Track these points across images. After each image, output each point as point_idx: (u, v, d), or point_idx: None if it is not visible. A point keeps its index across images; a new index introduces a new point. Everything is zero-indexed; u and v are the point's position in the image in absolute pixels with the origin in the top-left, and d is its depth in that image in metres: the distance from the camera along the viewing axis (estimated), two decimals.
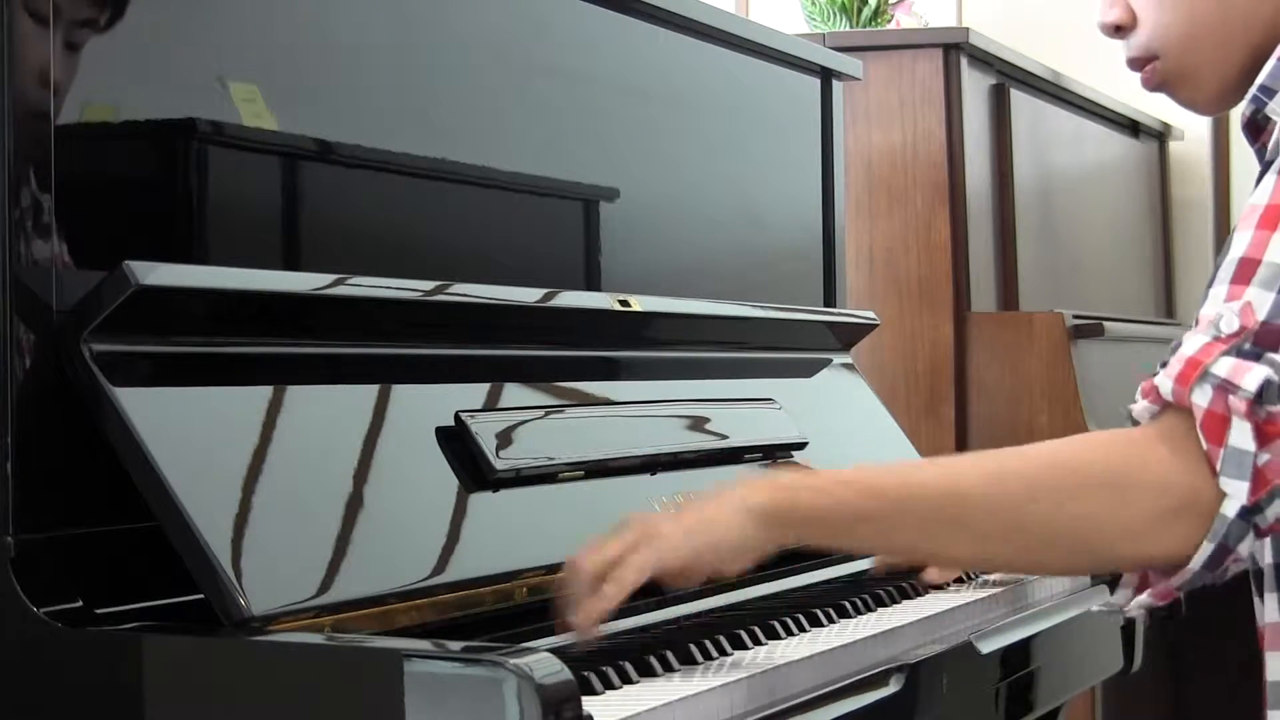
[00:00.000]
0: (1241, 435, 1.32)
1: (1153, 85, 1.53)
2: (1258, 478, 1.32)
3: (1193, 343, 1.35)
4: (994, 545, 1.40)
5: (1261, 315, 1.33)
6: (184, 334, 1.35)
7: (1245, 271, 1.35)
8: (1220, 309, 1.34)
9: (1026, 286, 3.14)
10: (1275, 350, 1.32)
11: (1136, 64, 1.53)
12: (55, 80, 1.31)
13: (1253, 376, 1.31)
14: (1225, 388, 1.31)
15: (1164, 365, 1.37)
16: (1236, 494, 1.32)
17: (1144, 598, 1.41)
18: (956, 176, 2.96)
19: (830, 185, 2.39)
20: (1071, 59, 3.71)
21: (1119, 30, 1.52)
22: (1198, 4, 1.48)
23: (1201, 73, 1.50)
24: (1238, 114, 1.51)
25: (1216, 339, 1.34)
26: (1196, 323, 1.37)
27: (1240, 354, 1.32)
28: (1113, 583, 1.44)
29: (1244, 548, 1.35)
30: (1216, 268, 1.39)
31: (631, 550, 1.41)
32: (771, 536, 1.42)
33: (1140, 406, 1.38)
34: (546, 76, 1.87)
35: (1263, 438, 1.31)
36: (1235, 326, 1.33)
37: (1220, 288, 1.36)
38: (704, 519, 1.42)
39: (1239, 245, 1.36)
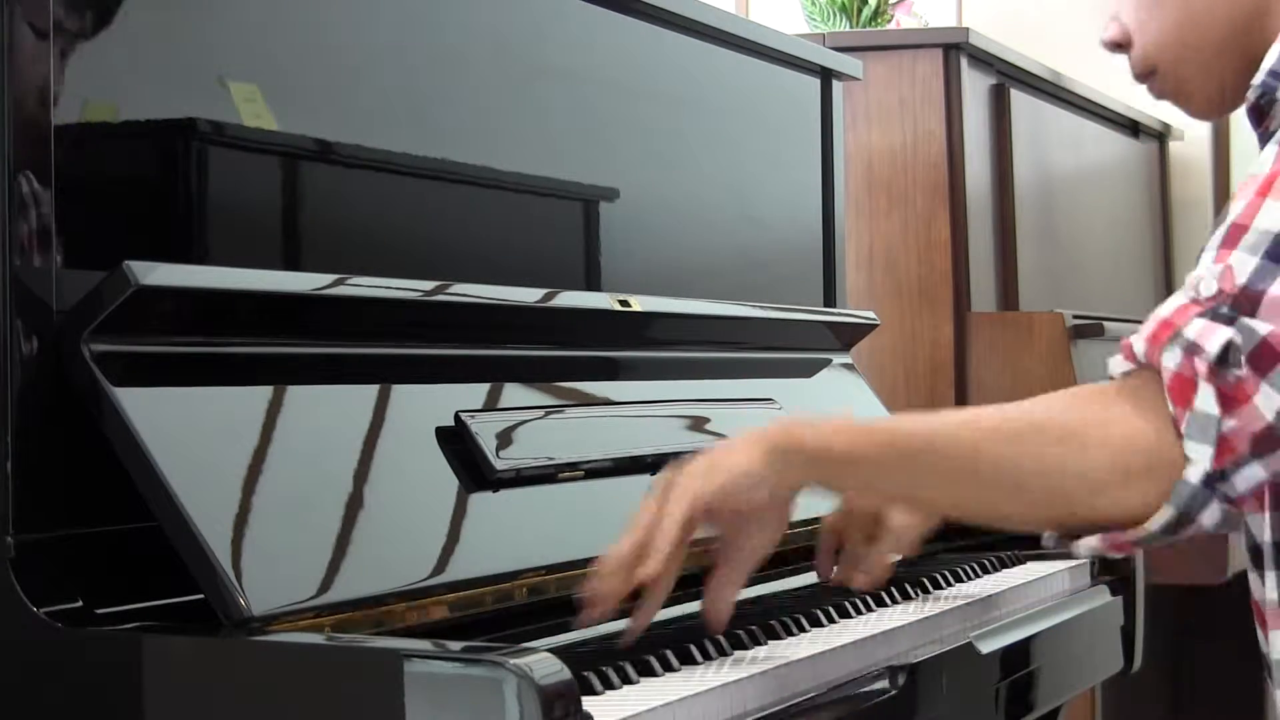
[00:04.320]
0: (1206, 400, 1.31)
1: (1156, 96, 1.59)
2: (1221, 444, 1.31)
3: (1170, 304, 1.35)
4: (967, 490, 1.42)
5: (1241, 279, 1.33)
6: (184, 334, 1.35)
7: (1234, 236, 1.35)
8: (1201, 272, 1.35)
9: (1026, 286, 3.14)
10: (1252, 315, 1.32)
11: (1139, 78, 1.59)
12: (55, 80, 1.31)
13: (1217, 339, 1.31)
14: (1192, 350, 1.31)
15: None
16: (1200, 459, 1.32)
17: (1095, 542, 1.40)
18: (956, 176, 2.96)
19: (830, 185, 2.39)
20: (1071, 59, 3.71)
21: (1119, 47, 1.57)
22: (1178, 25, 1.53)
23: (1194, 85, 1.56)
24: (1239, 113, 1.53)
25: (1194, 301, 1.34)
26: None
27: (1215, 317, 1.32)
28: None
29: (1206, 518, 1.34)
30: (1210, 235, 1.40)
31: (661, 506, 1.41)
32: (784, 473, 1.42)
33: (1116, 362, 1.39)
34: (546, 77, 1.87)
35: (1227, 403, 1.31)
36: (1214, 289, 1.33)
37: (1209, 253, 1.36)
38: (720, 455, 1.43)
39: (1233, 212, 1.37)
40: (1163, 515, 1.34)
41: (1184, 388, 1.32)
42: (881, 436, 1.43)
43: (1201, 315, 1.33)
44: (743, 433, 1.45)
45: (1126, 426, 1.35)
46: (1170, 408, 1.33)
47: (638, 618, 1.43)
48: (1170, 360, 1.33)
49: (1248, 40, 1.50)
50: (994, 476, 1.40)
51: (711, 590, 1.47)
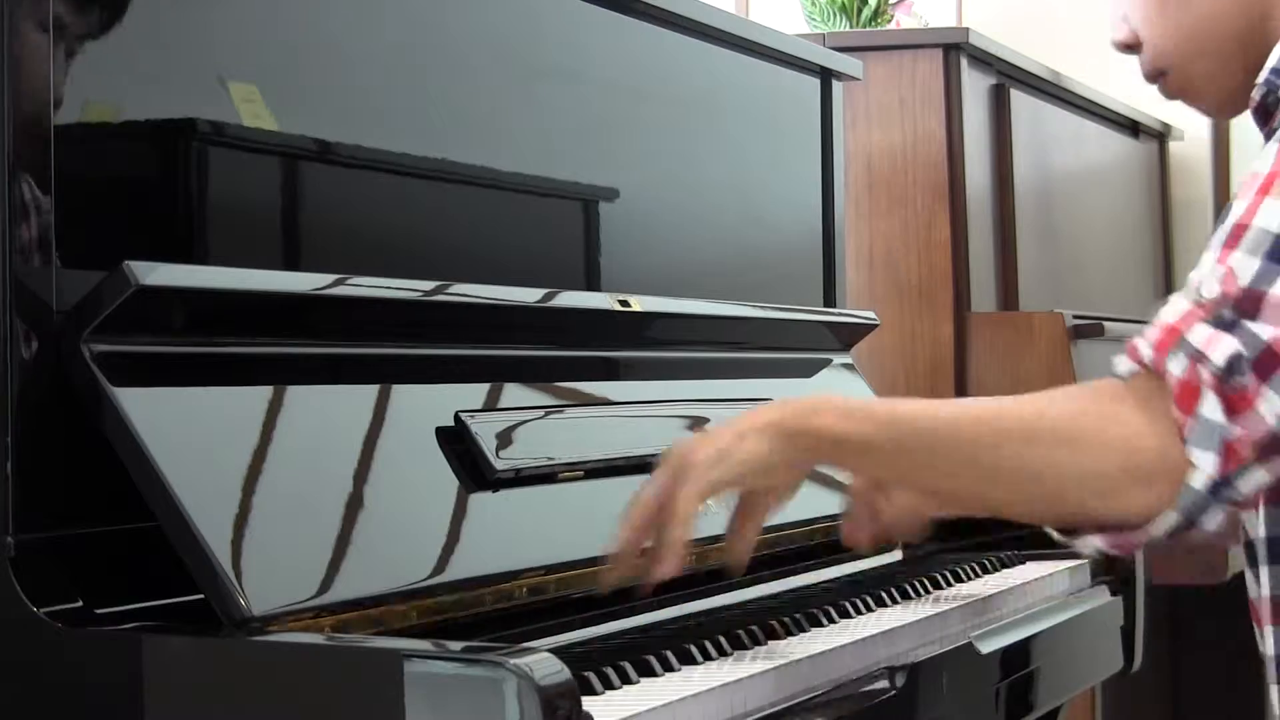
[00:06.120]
0: (1212, 407, 1.31)
1: (1168, 96, 1.59)
2: (1227, 451, 1.31)
3: (1174, 308, 1.35)
4: (976, 484, 1.43)
5: (1244, 281, 1.33)
6: (184, 334, 1.35)
7: (1235, 236, 1.35)
8: (1202, 275, 1.35)
9: (1026, 286, 3.15)
10: (1254, 318, 1.31)
11: (1149, 78, 1.59)
12: (55, 80, 1.31)
13: (1222, 349, 1.31)
14: (1197, 358, 1.32)
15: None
16: (1205, 466, 1.32)
17: (1098, 541, 1.41)
18: (956, 176, 2.96)
19: (830, 185, 2.39)
20: (1071, 59, 3.71)
21: (1129, 48, 1.58)
22: (1185, 27, 1.53)
23: (1204, 86, 1.56)
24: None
25: (1197, 304, 1.34)
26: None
27: (1218, 322, 1.32)
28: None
29: (1209, 522, 1.34)
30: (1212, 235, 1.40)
31: (673, 485, 1.41)
32: (793, 454, 1.43)
33: (1121, 362, 1.39)
34: (546, 77, 1.87)
35: (1232, 410, 1.31)
36: (1216, 292, 1.33)
37: (1211, 253, 1.36)
38: (730, 442, 1.42)
39: (1235, 212, 1.37)
40: (1167, 520, 1.35)
41: (1189, 395, 1.32)
42: (892, 425, 1.42)
43: (1205, 321, 1.33)
44: (749, 413, 1.45)
45: (1134, 431, 1.35)
46: (1175, 414, 1.33)
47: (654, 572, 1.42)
48: (1176, 367, 1.33)
49: (1254, 42, 1.50)
50: (1004, 474, 1.40)
51: (731, 538, 1.49)
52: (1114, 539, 1.40)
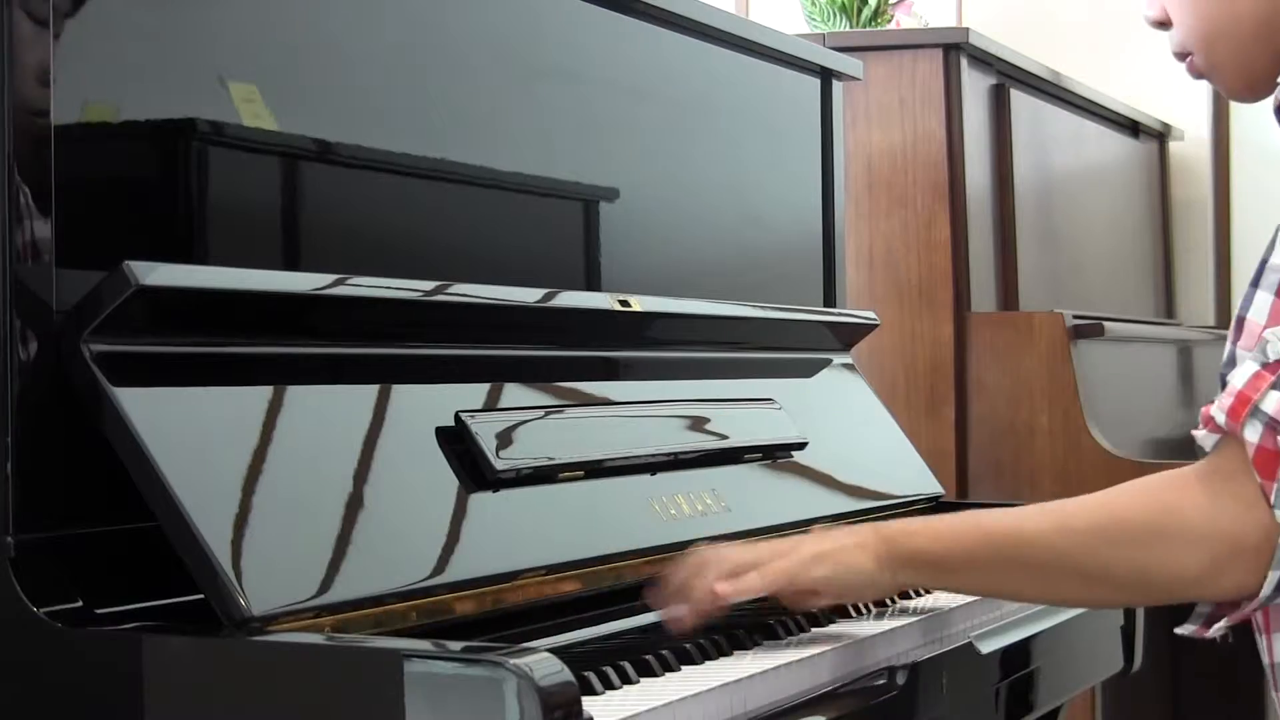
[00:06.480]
0: None
1: (1193, 75, 1.59)
2: None
3: (1243, 372, 1.36)
4: (1066, 589, 1.53)
5: None
6: (184, 334, 1.35)
7: None
8: (1267, 334, 1.35)
9: (1026, 286, 3.14)
10: None
11: (1178, 57, 1.59)
12: (55, 80, 1.31)
13: None
14: (1273, 426, 1.33)
15: (1221, 382, 1.39)
16: None
17: (1222, 624, 1.46)
18: (956, 176, 2.96)
19: (830, 185, 2.38)
20: (1071, 59, 3.71)
21: (1161, 25, 1.59)
22: (1211, 12, 1.53)
23: (1227, 69, 1.56)
24: (1246, 108, 1.53)
25: (1265, 366, 1.35)
26: (1239, 324, 1.39)
27: None
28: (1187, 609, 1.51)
29: None
30: (1262, 264, 1.40)
31: (769, 559, 1.53)
32: (893, 577, 1.55)
33: (1202, 434, 1.41)
34: (546, 77, 1.87)
35: None
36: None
37: (1266, 295, 1.37)
38: (835, 549, 1.54)
39: None
40: (1271, 581, 1.39)
41: (1268, 461, 1.36)
42: (976, 540, 1.52)
43: (1275, 386, 1.35)
44: (841, 533, 1.58)
45: (1205, 519, 1.40)
46: (1257, 479, 1.36)
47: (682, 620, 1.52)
48: (1252, 434, 1.36)
49: (1277, 28, 1.50)
50: (1089, 577, 1.48)
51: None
52: (1233, 616, 1.45)
